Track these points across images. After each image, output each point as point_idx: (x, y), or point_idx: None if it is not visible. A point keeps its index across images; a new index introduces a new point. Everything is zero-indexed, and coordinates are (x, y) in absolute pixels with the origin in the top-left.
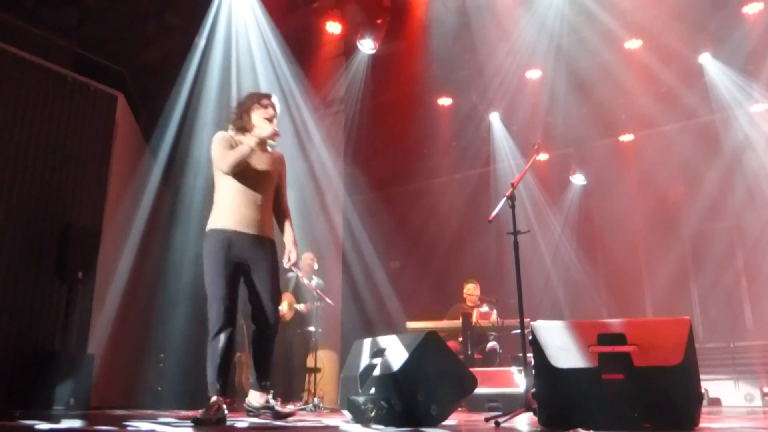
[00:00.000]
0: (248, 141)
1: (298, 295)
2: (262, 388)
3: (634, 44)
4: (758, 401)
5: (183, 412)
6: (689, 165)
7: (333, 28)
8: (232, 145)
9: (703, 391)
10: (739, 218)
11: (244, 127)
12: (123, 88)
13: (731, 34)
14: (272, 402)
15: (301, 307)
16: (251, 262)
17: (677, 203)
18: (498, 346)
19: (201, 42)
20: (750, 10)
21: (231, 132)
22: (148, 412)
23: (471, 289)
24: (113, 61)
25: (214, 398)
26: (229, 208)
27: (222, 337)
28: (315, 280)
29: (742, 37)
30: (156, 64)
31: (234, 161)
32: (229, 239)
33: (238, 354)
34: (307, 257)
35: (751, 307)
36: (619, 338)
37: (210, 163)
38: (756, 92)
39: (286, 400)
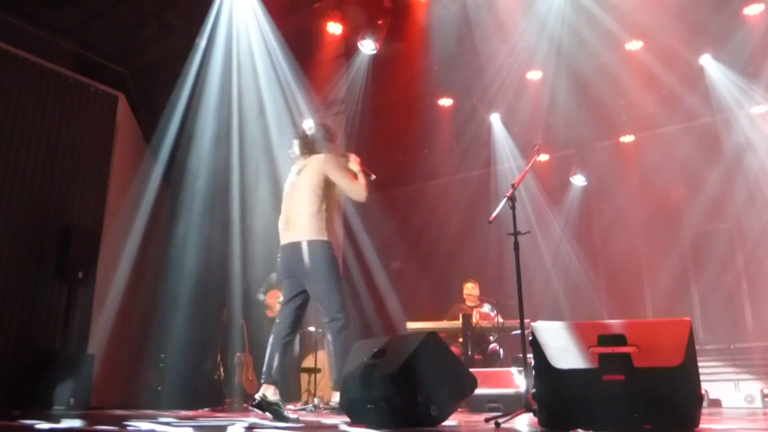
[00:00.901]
0: (359, 174)
1: None
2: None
3: (634, 45)
4: (758, 402)
5: (183, 412)
6: (690, 166)
7: (334, 28)
8: None
9: (703, 392)
10: (740, 220)
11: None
12: (124, 88)
13: (732, 36)
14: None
15: None
16: None
17: (678, 204)
18: (499, 347)
19: (202, 42)
20: (751, 11)
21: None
22: (148, 411)
23: (470, 289)
24: (114, 62)
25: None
26: (332, 225)
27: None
28: None
29: (743, 39)
30: (157, 64)
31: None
32: None
33: (238, 354)
34: None
35: (751, 309)
36: (620, 339)
37: (316, 178)
38: (757, 94)
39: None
